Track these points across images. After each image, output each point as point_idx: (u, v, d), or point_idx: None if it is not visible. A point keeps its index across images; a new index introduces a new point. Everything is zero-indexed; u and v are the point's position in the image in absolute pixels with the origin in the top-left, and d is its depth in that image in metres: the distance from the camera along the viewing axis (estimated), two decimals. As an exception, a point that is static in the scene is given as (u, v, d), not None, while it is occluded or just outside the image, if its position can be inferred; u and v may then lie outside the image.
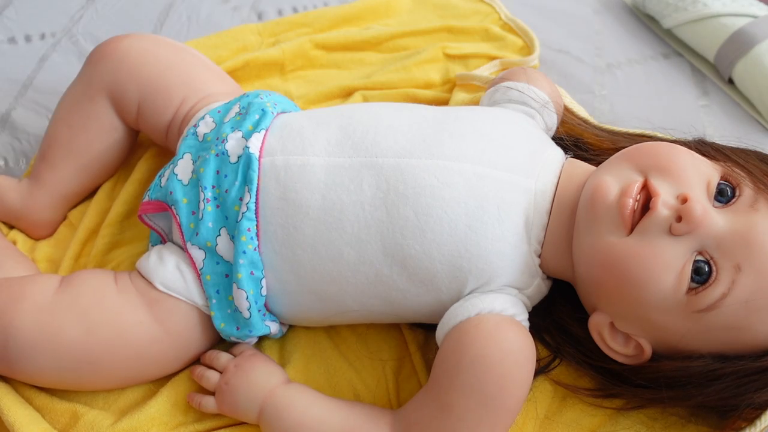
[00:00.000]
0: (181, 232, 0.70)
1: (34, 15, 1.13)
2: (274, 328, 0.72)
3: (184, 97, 0.81)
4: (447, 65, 1.06)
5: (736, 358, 0.62)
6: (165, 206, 0.72)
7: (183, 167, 0.72)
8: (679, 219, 0.60)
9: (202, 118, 0.75)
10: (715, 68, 1.09)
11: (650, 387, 0.65)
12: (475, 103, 0.90)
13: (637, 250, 0.60)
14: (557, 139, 0.79)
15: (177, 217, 0.70)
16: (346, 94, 1.01)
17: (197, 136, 0.74)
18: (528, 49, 1.09)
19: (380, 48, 1.09)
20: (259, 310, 0.69)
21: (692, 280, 0.60)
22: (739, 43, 1.05)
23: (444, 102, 0.99)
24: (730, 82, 1.07)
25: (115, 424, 0.68)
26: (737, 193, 0.62)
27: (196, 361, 0.73)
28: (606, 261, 0.62)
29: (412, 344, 0.75)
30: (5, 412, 0.66)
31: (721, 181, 0.63)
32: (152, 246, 0.77)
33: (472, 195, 0.65)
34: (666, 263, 0.60)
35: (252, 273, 0.67)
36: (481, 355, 0.61)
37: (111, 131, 0.84)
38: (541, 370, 0.71)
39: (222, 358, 0.72)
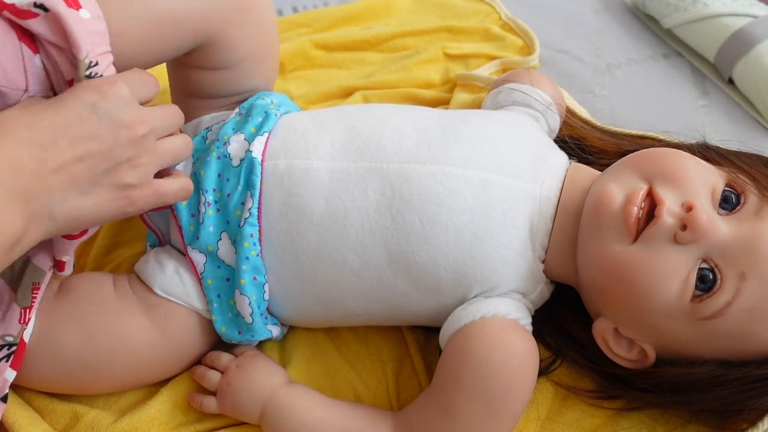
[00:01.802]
0: (181, 235, 0.70)
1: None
2: (276, 331, 0.72)
3: (256, 86, 0.77)
4: (447, 65, 1.06)
5: (740, 365, 0.62)
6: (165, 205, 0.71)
7: (183, 167, 0.71)
8: (683, 227, 0.60)
9: (217, 123, 0.75)
10: (716, 68, 1.09)
11: (653, 392, 0.65)
12: (477, 103, 0.90)
13: (641, 258, 0.60)
14: (560, 141, 0.79)
15: (177, 218, 0.70)
16: (346, 94, 1.01)
17: (205, 139, 0.73)
18: (528, 49, 1.09)
19: (380, 48, 1.09)
20: (261, 314, 0.69)
21: (697, 287, 0.60)
22: (739, 43, 1.05)
23: (445, 102, 0.99)
24: (731, 82, 1.07)
25: (115, 424, 0.68)
26: (742, 201, 0.62)
27: (197, 362, 0.73)
28: (610, 269, 0.62)
29: (412, 345, 0.75)
30: (5, 413, 0.66)
31: (726, 188, 0.63)
32: (149, 246, 0.77)
33: (478, 202, 0.65)
34: (671, 271, 0.60)
35: (255, 278, 0.67)
36: (485, 358, 0.61)
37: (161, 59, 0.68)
38: (542, 372, 0.71)
39: (223, 358, 0.71)
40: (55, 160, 0.51)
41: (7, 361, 0.63)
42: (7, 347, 0.63)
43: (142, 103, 0.58)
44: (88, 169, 0.53)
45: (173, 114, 0.61)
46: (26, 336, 0.64)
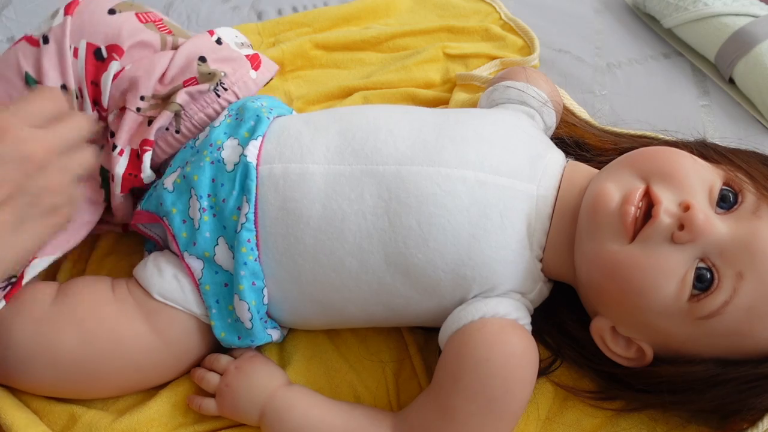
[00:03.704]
0: (176, 243, 0.69)
1: (33, 15, 1.13)
2: (275, 335, 0.71)
3: None
4: (447, 65, 1.06)
5: (737, 364, 0.62)
6: (157, 218, 0.71)
7: (172, 177, 0.71)
8: (681, 227, 0.60)
9: (202, 130, 0.74)
10: (716, 68, 1.09)
11: (652, 392, 0.65)
12: (476, 102, 0.90)
13: (639, 258, 0.60)
14: (558, 139, 0.79)
15: (170, 228, 0.70)
16: (346, 94, 1.01)
17: (195, 148, 0.73)
18: (528, 48, 1.09)
19: (380, 48, 1.09)
20: (261, 318, 0.69)
21: (694, 287, 0.60)
22: (739, 43, 1.05)
23: (445, 102, 0.98)
24: (731, 81, 1.07)
25: (114, 424, 0.67)
26: (740, 199, 0.62)
27: (196, 365, 0.73)
28: (608, 269, 0.62)
29: (412, 346, 0.75)
30: (3, 414, 0.66)
31: (724, 187, 0.63)
32: (147, 251, 0.77)
33: (475, 203, 0.65)
34: (668, 271, 0.60)
35: (253, 283, 0.67)
36: (484, 359, 0.61)
37: None
38: (542, 372, 0.71)
39: (222, 360, 0.71)
40: None
41: (3, 290, 0.65)
42: (8, 278, 0.66)
43: (49, 120, 0.59)
44: (13, 210, 0.54)
45: (80, 125, 0.60)
46: (27, 274, 0.66)
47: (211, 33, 0.76)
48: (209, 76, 0.73)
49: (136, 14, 0.73)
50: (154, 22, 0.74)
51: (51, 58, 0.70)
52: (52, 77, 0.70)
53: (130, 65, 0.71)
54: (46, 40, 0.70)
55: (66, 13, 0.71)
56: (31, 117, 0.57)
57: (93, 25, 0.71)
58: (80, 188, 0.61)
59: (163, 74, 0.72)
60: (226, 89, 0.74)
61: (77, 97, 0.71)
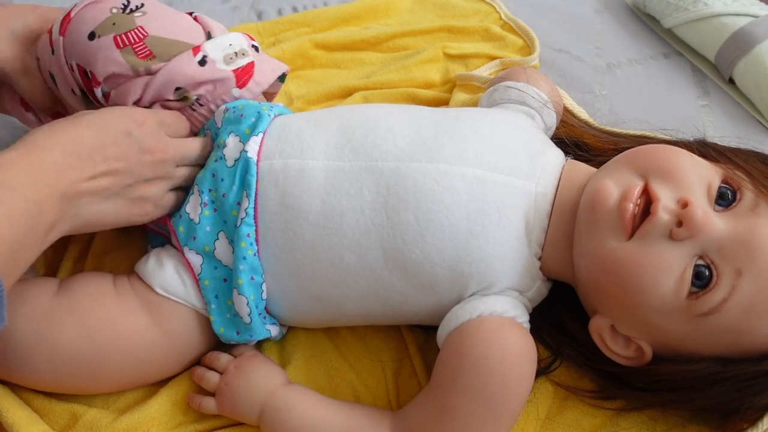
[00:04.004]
0: (176, 237, 0.70)
1: (33, 15, 1.13)
2: (274, 331, 0.71)
3: None
4: (447, 65, 1.06)
5: (736, 362, 0.62)
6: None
7: None
8: (679, 224, 0.59)
9: (203, 131, 0.74)
10: (716, 68, 1.09)
11: (651, 390, 0.65)
12: (475, 102, 0.90)
13: (637, 255, 0.60)
14: (557, 139, 0.79)
15: (171, 222, 0.70)
16: (346, 94, 1.01)
17: None
18: (528, 48, 1.09)
19: (380, 48, 1.09)
20: (259, 314, 0.69)
21: (693, 284, 0.60)
22: (739, 43, 1.05)
23: (444, 102, 0.98)
24: (731, 81, 1.07)
25: (114, 423, 0.67)
26: (738, 197, 0.62)
27: (197, 362, 0.73)
28: (606, 266, 0.62)
29: (411, 345, 0.75)
30: (4, 413, 0.66)
31: (722, 185, 0.63)
32: (151, 248, 0.77)
33: (473, 199, 0.65)
34: (666, 268, 0.60)
35: (252, 278, 0.67)
36: (482, 357, 0.61)
37: None
38: (542, 371, 0.71)
39: (222, 359, 0.71)
40: (89, 172, 0.62)
41: None
42: None
43: (173, 137, 0.70)
44: (114, 182, 0.64)
45: (197, 148, 0.72)
46: None
47: (195, 51, 0.71)
48: (182, 101, 0.72)
49: (115, 37, 0.70)
50: (133, 45, 0.70)
51: (55, 67, 0.73)
52: (59, 80, 0.73)
53: (113, 91, 0.71)
54: (53, 50, 0.72)
55: (60, 32, 0.71)
56: (165, 125, 0.69)
57: (77, 49, 0.71)
58: (171, 198, 0.71)
59: (138, 101, 0.71)
60: (202, 105, 0.73)
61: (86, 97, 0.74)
